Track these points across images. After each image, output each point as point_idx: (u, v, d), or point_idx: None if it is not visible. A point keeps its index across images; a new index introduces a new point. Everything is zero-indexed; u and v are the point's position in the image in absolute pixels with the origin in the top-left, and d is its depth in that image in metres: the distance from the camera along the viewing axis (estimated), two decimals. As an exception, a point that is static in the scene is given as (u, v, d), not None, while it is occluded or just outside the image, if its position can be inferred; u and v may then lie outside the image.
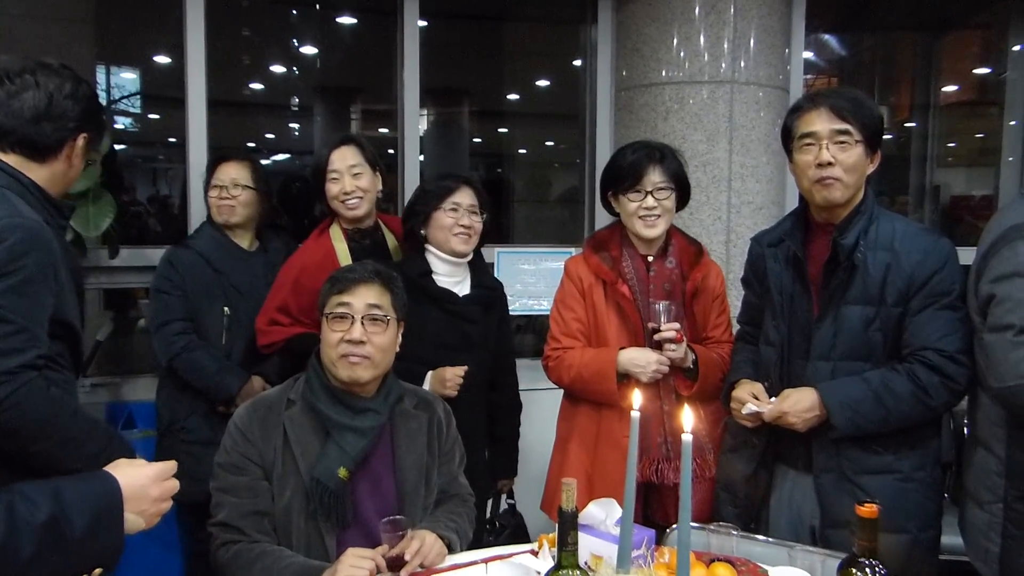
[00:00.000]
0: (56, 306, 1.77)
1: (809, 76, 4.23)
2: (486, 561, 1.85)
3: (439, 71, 4.08)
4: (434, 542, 1.90)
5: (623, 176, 2.49)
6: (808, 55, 4.20)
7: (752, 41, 3.60)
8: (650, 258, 2.55)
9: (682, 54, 3.61)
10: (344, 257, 2.74)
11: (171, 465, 1.45)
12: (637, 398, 1.51)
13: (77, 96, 1.89)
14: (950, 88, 5.32)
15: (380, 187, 2.86)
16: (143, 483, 1.38)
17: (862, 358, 2.16)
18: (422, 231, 2.63)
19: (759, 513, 2.34)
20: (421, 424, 2.13)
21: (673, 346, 2.42)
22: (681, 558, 1.33)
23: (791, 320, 2.27)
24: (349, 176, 2.75)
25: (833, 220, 2.22)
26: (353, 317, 2.01)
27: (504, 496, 2.88)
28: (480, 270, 2.74)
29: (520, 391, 2.94)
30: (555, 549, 1.84)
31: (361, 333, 1.99)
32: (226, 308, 2.92)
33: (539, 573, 1.78)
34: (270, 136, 7.10)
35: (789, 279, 2.27)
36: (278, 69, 6.26)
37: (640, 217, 2.47)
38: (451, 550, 1.96)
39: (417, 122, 3.92)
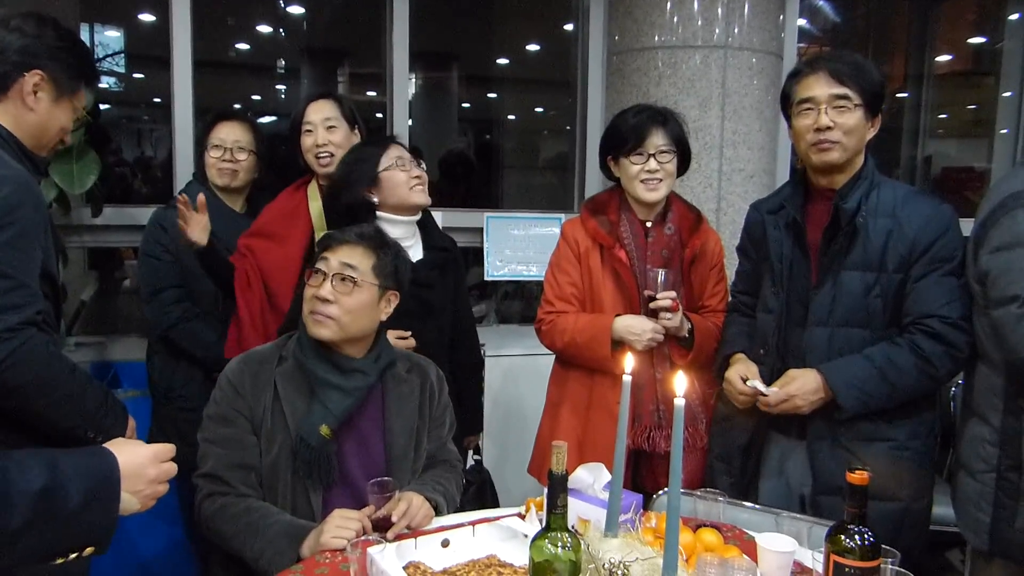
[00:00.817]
0: (44, 261, 1.73)
1: (802, 44, 4.19)
2: (473, 524, 1.84)
3: (428, 34, 4.02)
4: (421, 504, 1.89)
5: (625, 138, 2.45)
6: (801, 22, 4.16)
7: (747, 6, 3.55)
8: (648, 224, 2.52)
9: (675, 18, 3.55)
10: (317, 215, 2.67)
11: (169, 448, 1.40)
12: (630, 361, 1.50)
13: (23, 30, 1.79)
14: (944, 58, 5.28)
15: None
16: (141, 462, 1.32)
17: (861, 325, 2.15)
18: (374, 198, 2.45)
19: (751, 484, 2.34)
20: (413, 388, 2.11)
21: (669, 315, 2.39)
22: (670, 523, 1.32)
23: (789, 287, 2.25)
24: (323, 129, 2.70)
25: (833, 186, 2.20)
26: (326, 274, 1.98)
27: (470, 453, 2.86)
28: (431, 230, 2.63)
29: (508, 357, 2.93)
30: (542, 512, 1.85)
31: (329, 291, 1.95)
32: None
33: (526, 536, 1.77)
34: (256, 98, 7.00)
35: (789, 245, 2.25)
36: (264, 29, 6.15)
37: (642, 181, 2.43)
38: (438, 512, 1.96)
39: (407, 86, 3.86)
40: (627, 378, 1.50)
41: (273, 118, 6.89)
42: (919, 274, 2.11)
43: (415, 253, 2.53)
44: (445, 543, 1.76)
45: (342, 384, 1.98)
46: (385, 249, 2.06)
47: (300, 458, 1.93)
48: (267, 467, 1.95)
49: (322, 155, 2.70)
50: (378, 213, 2.46)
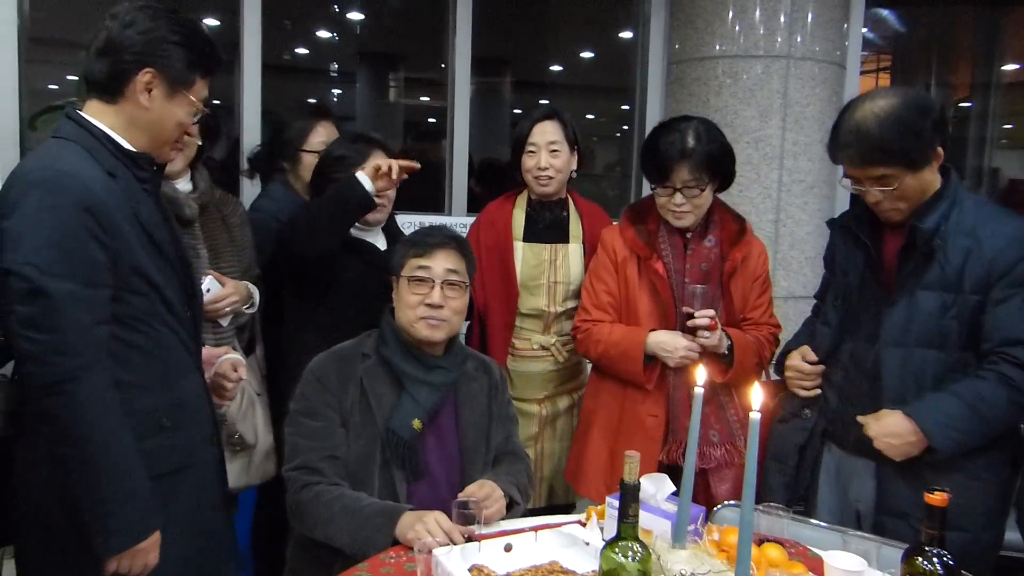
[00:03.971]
0: (128, 258, 1.67)
1: (865, 53, 4.13)
2: (535, 529, 1.85)
3: (482, 39, 4.04)
4: (499, 497, 1.96)
5: (650, 171, 2.43)
6: (864, 31, 4.11)
7: (810, 15, 3.53)
8: (689, 235, 2.48)
9: (737, 27, 3.54)
10: (518, 224, 2.77)
11: None
12: (701, 374, 1.49)
13: (140, 28, 1.72)
14: (1010, 67, 5.16)
15: (575, 167, 2.81)
16: None
17: (936, 346, 2.07)
18: None
19: (807, 489, 2.30)
20: (482, 386, 2.20)
21: (706, 333, 2.36)
22: (743, 536, 1.32)
23: (859, 303, 2.20)
24: (546, 152, 2.72)
25: None
26: (433, 281, 2.08)
27: None
28: (394, 234, 2.65)
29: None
30: (603, 521, 1.86)
31: (440, 297, 2.06)
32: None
33: (587, 543, 1.78)
34: (311, 101, 7.08)
35: (860, 261, 2.20)
36: (323, 34, 6.23)
37: (670, 210, 2.41)
38: (512, 505, 2.02)
39: (468, 91, 3.90)
40: (699, 390, 1.50)
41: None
42: (999, 297, 2.01)
43: (380, 243, 2.60)
44: (508, 548, 1.78)
45: (429, 379, 2.08)
46: (469, 248, 2.19)
47: (391, 450, 2.02)
48: (355, 460, 2.02)
49: (542, 177, 2.73)
50: None
